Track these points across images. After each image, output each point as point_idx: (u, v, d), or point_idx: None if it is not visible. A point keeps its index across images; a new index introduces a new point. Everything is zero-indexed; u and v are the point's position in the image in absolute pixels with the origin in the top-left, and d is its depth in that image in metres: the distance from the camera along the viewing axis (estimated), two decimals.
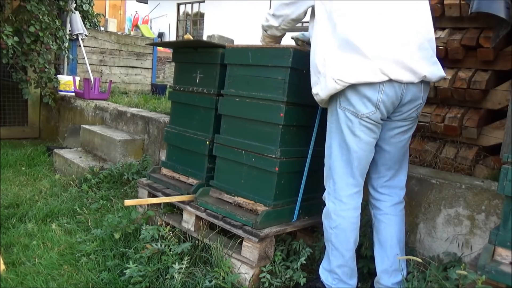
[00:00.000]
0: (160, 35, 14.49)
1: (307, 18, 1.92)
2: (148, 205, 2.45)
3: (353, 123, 1.68)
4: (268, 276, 1.87)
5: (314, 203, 2.14)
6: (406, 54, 1.63)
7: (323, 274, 1.83)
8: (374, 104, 1.64)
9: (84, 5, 5.86)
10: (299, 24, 2.11)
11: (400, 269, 1.83)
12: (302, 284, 1.86)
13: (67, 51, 5.05)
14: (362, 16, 1.63)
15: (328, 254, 1.80)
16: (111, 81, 5.30)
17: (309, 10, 1.85)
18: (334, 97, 1.71)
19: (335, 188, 1.77)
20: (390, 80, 1.61)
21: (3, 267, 2.04)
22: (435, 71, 1.72)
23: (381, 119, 1.70)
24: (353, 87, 1.63)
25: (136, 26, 12.91)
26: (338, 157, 1.74)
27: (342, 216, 1.74)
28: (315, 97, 1.78)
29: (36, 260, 2.16)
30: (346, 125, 1.69)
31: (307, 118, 2.03)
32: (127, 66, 6.48)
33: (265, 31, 2.03)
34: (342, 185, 1.75)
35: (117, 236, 2.26)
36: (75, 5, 5.33)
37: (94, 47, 5.99)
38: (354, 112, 1.66)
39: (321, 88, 1.70)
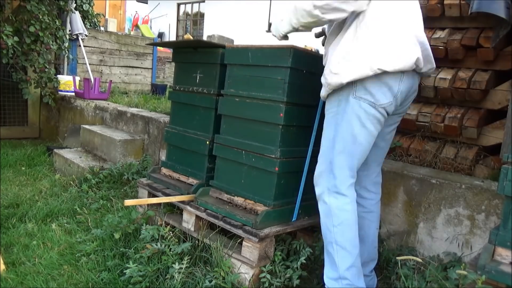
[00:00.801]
0: (160, 35, 14.48)
1: None
2: (148, 205, 2.45)
3: (366, 114, 1.61)
4: (268, 276, 1.87)
5: (314, 203, 2.13)
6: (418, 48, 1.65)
7: (331, 284, 1.68)
8: (394, 94, 1.61)
9: (84, 5, 5.87)
10: None
11: (375, 258, 1.94)
12: (298, 283, 1.86)
13: (67, 51, 5.05)
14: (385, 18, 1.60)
15: (333, 259, 1.67)
16: (111, 81, 5.30)
17: None
18: (346, 86, 1.62)
19: (335, 183, 1.67)
20: (413, 70, 1.64)
21: (3, 267, 2.04)
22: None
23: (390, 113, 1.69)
24: (377, 75, 1.56)
25: (136, 26, 12.90)
26: (341, 149, 1.66)
27: (347, 210, 1.65)
28: (327, 80, 1.65)
29: (36, 260, 2.16)
30: (357, 116, 1.61)
31: (307, 118, 2.02)
32: (127, 66, 6.48)
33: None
34: (343, 178, 1.67)
35: (117, 236, 2.26)
36: (75, 5, 5.34)
37: (94, 47, 5.99)
38: (372, 102, 1.59)
39: (346, 70, 1.57)
